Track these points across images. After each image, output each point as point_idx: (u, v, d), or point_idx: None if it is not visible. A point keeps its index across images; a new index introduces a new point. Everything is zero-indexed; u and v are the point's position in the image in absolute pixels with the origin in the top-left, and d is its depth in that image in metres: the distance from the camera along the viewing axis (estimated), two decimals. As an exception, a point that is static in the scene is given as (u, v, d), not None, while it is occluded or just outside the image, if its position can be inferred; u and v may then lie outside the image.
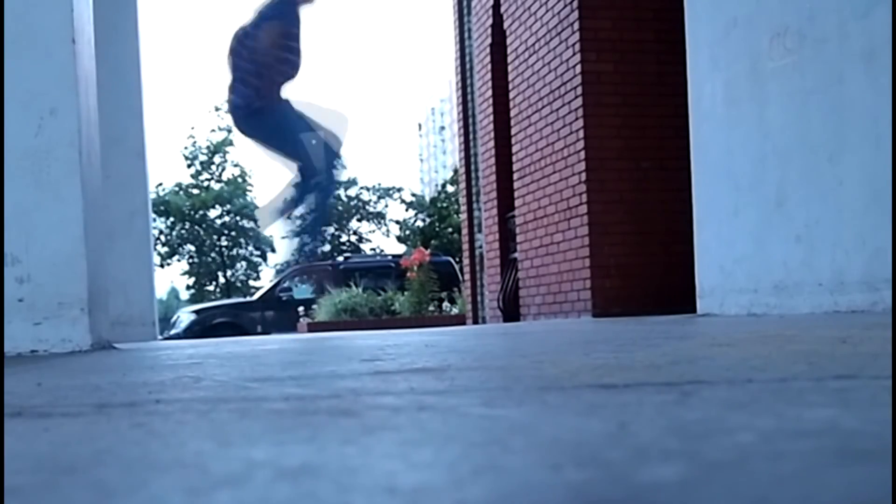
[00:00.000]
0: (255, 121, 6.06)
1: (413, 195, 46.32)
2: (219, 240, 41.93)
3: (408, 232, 41.82)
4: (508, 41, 9.11)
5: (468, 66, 10.50)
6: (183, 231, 41.05)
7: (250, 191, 41.63)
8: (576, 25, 7.71)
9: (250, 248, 42.82)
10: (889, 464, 0.73)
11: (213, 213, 41.29)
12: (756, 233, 5.24)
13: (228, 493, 0.75)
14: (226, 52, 6.09)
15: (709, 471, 0.76)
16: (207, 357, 3.17)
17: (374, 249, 42.69)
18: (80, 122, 4.24)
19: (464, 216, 10.75)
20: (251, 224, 42.11)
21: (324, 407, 1.37)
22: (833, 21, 4.66)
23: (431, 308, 13.72)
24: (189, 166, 40.49)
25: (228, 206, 40.87)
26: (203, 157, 40.42)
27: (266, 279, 38.58)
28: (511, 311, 9.23)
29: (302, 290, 17.50)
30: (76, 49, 4.28)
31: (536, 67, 8.45)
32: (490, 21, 9.67)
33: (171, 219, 40.04)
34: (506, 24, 9.20)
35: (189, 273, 41.84)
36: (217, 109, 38.46)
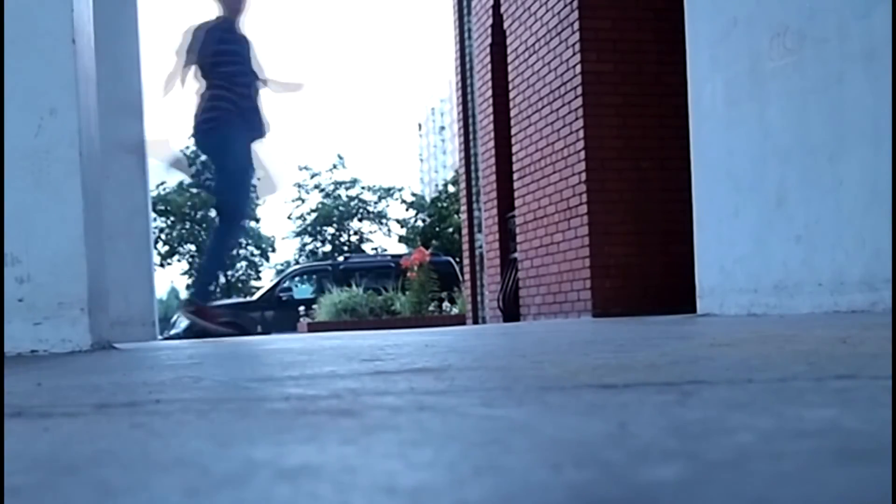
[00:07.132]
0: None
1: (413, 195, 46.29)
2: (219, 239, 41.88)
3: (409, 231, 41.80)
4: (508, 41, 9.12)
5: (468, 66, 10.50)
6: (183, 231, 41.05)
7: (251, 191, 41.58)
8: (576, 25, 7.71)
9: (250, 248, 42.82)
10: (889, 464, 0.73)
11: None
12: (756, 233, 5.24)
13: (229, 493, 0.75)
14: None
15: (709, 471, 0.76)
16: (207, 357, 3.17)
17: (374, 249, 42.66)
18: (80, 122, 4.24)
19: (464, 216, 10.75)
20: (251, 223, 42.12)
21: (324, 407, 1.36)
22: (833, 21, 4.65)
23: (431, 308, 13.72)
24: (190, 166, 40.48)
25: (229, 206, 40.84)
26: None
27: (266, 279, 38.59)
28: (511, 311, 9.23)
29: (302, 290, 17.52)
30: (76, 49, 4.28)
31: (536, 67, 8.45)
32: (490, 21, 9.67)
33: (172, 218, 40.03)
34: (506, 24, 9.20)
35: (189, 273, 41.84)
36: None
